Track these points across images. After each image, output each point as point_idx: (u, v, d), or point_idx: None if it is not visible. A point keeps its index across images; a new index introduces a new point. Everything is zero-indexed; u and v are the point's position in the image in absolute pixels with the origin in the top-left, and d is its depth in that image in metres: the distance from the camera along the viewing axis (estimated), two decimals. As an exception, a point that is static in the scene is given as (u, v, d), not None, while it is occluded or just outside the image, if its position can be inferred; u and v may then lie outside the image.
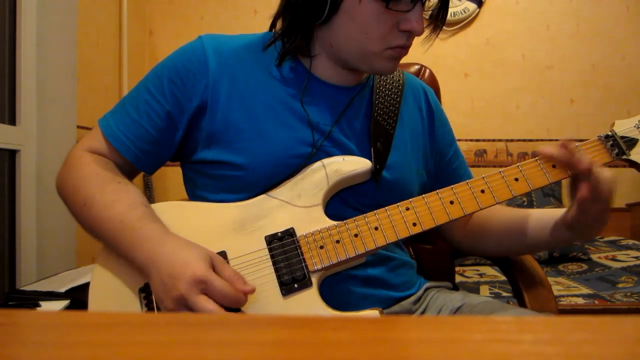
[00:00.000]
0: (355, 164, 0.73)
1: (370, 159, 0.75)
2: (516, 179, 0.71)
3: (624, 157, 0.72)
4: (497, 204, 0.71)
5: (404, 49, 0.73)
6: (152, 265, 0.64)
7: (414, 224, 0.70)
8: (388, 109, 0.81)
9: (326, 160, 0.73)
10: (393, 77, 0.86)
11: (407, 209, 0.71)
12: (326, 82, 0.78)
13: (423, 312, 0.80)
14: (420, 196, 0.72)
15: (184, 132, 0.75)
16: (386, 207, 0.71)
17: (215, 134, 0.73)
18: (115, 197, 0.69)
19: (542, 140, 2.70)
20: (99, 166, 0.73)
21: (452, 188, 0.72)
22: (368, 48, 0.71)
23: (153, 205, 0.72)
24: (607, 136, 0.73)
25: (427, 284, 0.84)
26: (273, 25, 0.79)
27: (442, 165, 0.90)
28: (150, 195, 2.42)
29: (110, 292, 0.69)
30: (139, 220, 0.67)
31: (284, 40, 0.77)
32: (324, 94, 0.78)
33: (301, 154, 0.73)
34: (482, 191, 0.71)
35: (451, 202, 0.71)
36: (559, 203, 2.44)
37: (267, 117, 0.74)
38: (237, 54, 0.77)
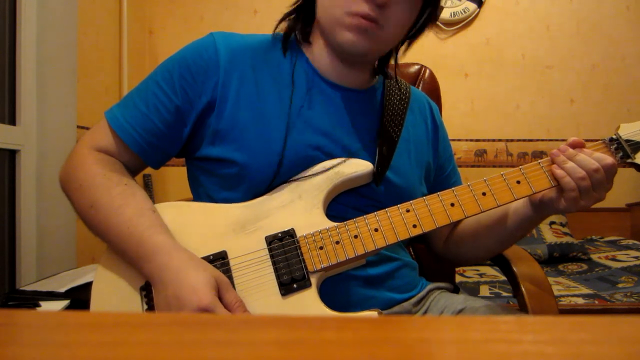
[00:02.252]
0: (356, 166, 0.73)
1: (374, 162, 0.75)
2: (518, 182, 0.71)
3: (629, 160, 0.71)
4: (498, 206, 0.71)
5: (366, 19, 0.69)
6: (158, 279, 0.64)
7: (414, 226, 0.70)
8: (394, 117, 0.81)
9: (328, 163, 0.74)
10: (401, 88, 0.87)
11: (408, 210, 0.71)
12: (333, 82, 0.79)
13: (424, 314, 0.80)
14: (421, 198, 0.72)
15: (191, 128, 0.75)
16: (386, 209, 0.71)
17: (221, 131, 0.73)
18: (122, 201, 0.68)
19: (542, 140, 2.71)
20: (106, 166, 0.72)
21: (453, 190, 0.71)
22: (332, 13, 0.72)
23: (155, 206, 0.72)
24: (611, 139, 0.73)
25: (430, 286, 0.84)
26: (280, 23, 0.81)
27: (441, 180, 0.91)
28: (150, 195, 2.42)
29: (113, 290, 0.69)
30: (146, 230, 0.66)
31: (289, 30, 0.80)
32: (331, 95, 0.78)
33: (305, 156, 0.73)
34: (484, 193, 0.71)
35: (452, 204, 0.70)
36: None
37: (273, 117, 0.74)
38: (248, 53, 0.77)
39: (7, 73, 1.50)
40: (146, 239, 0.65)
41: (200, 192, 0.79)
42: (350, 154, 0.76)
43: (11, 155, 1.50)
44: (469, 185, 0.72)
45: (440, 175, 0.91)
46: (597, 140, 0.73)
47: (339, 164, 0.73)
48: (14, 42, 1.51)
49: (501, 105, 2.75)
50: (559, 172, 0.69)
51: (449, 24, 2.72)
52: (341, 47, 0.73)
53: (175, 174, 2.49)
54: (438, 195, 0.71)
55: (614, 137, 0.73)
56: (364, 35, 0.70)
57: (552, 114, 2.74)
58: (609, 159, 0.68)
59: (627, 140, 0.72)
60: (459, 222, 0.89)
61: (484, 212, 0.71)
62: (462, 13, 2.70)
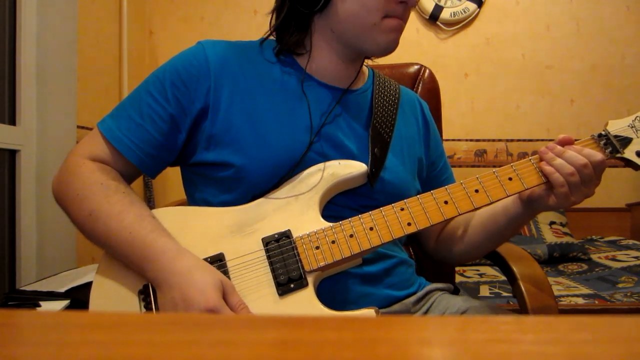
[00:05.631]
0: (351, 168, 0.74)
1: (368, 163, 0.76)
2: (510, 179, 0.72)
3: (618, 155, 0.72)
4: (491, 203, 0.72)
5: (402, 19, 0.75)
6: (163, 282, 0.65)
7: (409, 224, 0.70)
8: (385, 118, 0.82)
9: (322, 164, 0.74)
10: (390, 88, 0.88)
11: (402, 209, 0.72)
12: (325, 83, 0.80)
13: (424, 315, 0.81)
14: (415, 197, 0.73)
15: (186, 135, 0.75)
16: (381, 208, 0.72)
17: (215, 136, 0.74)
18: (122, 208, 0.68)
19: (542, 140, 2.70)
20: (102, 175, 0.72)
21: (446, 188, 0.72)
22: (368, 20, 0.73)
23: (152, 212, 0.72)
24: (600, 135, 0.74)
25: (429, 287, 0.84)
26: (270, 23, 0.81)
27: (433, 176, 0.92)
28: (150, 196, 2.42)
29: (111, 295, 0.70)
30: (150, 234, 0.67)
31: (280, 36, 0.79)
32: (322, 95, 0.79)
33: (300, 157, 0.74)
34: (476, 191, 0.72)
35: (445, 202, 0.71)
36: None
37: (267, 119, 0.75)
38: (237, 58, 0.78)
39: (7, 73, 1.50)
40: (150, 242, 0.66)
41: (197, 197, 0.79)
42: (344, 155, 0.76)
43: (11, 155, 1.50)
44: (461, 183, 0.73)
45: (432, 171, 0.92)
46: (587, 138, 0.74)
47: (333, 165, 0.74)
48: (14, 42, 1.51)
49: (501, 105, 2.75)
50: (548, 168, 0.70)
51: (449, 24, 2.72)
52: (380, 50, 0.76)
53: (176, 174, 2.46)
54: (431, 193, 0.72)
55: (603, 132, 0.74)
56: (399, 33, 0.76)
57: (552, 114, 2.74)
58: (598, 155, 0.69)
59: (616, 136, 0.73)
60: (450, 220, 0.89)
61: (477, 209, 0.72)
62: (462, 13, 2.70)
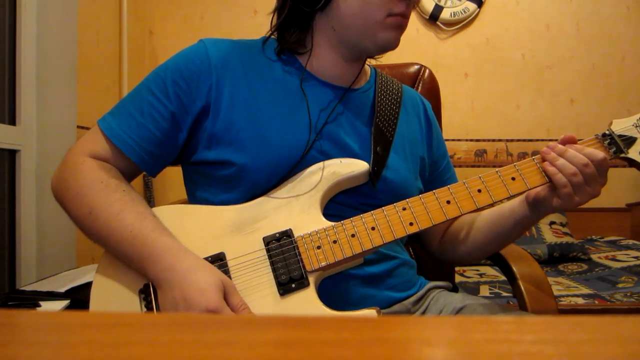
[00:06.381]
0: (352, 166, 0.74)
1: (370, 162, 0.75)
2: (513, 178, 0.71)
3: (622, 155, 0.72)
4: (494, 203, 0.71)
5: (405, 17, 0.75)
6: (164, 281, 0.64)
7: (411, 224, 0.70)
8: (388, 117, 0.82)
9: (324, 163, 0.74)
10: (392, 87, 0.88)
11: (404, 208, 0.71)
12: (327, 82, 0.80)
13: (423, 313, 0.81)
14: (417, 196, 0.72)
15: (187, 134, 0.75)
16: (383, 207, 0.71)
17: (217, 134, 0.74)
18: (122, 206, 0.68)
19: (542, 140, 2.70)
20: (103, 173, 0.71)
21: (448, 188, 0.72)
22: (371, 17, 0.73)
23: (152, 210, 0.72)
24: (604, 135, 0.73)
25: (429, 285, 0.84)
26: (271, 23, 0.81)
27: (435, 176, 0.92)
28: (150, 195, 2.42)
29: (112, 293, 0.69)
30: (151, 233, 0.66)
31: (281, 35, 0.79)
32: (324, 94, 0.79)
33: (302, 156, 0.73)
34: (479, 190, 0.71)
35: (448, 202, 0.71)
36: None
37: (268, 117, 0.75)
38: (239, 56, 0.78)
39: (7, 73, 1.50)
40: (151, 241, 0.66)
41: (198, 196, 0.79)
42: (346, 153, 0.76)
43: (11, 155, 1.50)
44: (464, 182, 0.72)
45: (435, 170, 0.92)
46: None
47: (335, 164, 0.74)
48: (14, 42, 1.51)
49: (501, 105, 2.75)
50: (550, 169, 0.70)
51: (449, 24, 2.72)
52: (381, 48, 0.77)
53: (176, 174, 2.45)
54: (434, 193, 0.72)
55: (607, 132, 0.73)
56: (401, 31, 0.76)
57: (552, 114, 2.74)
58: (599, 154, 0.69)
59: (620, 135, 0.72)
60: (453, 221, 0.89)
61: (479, 209, 0.72)
62: (462, 13, 2.70)
